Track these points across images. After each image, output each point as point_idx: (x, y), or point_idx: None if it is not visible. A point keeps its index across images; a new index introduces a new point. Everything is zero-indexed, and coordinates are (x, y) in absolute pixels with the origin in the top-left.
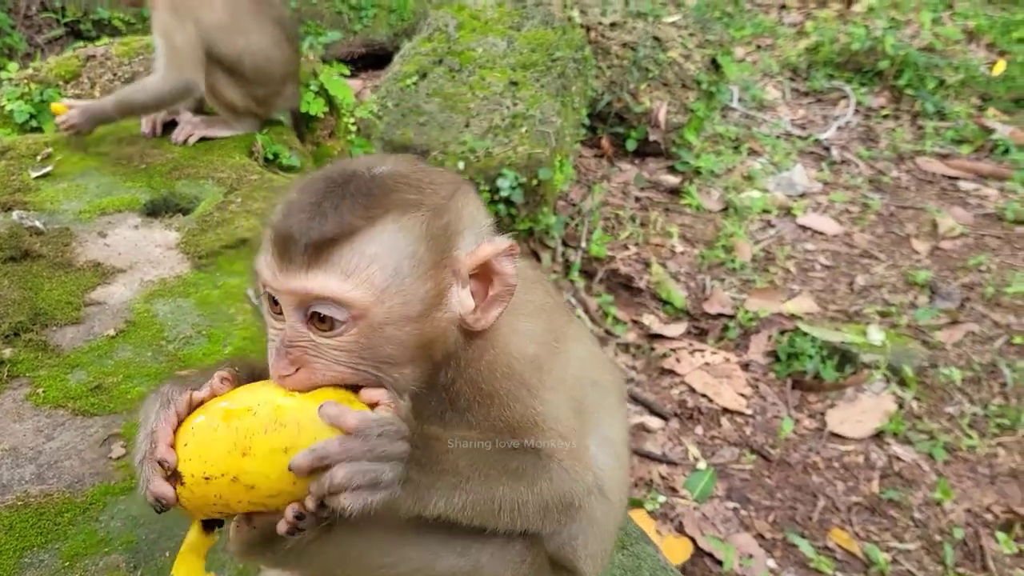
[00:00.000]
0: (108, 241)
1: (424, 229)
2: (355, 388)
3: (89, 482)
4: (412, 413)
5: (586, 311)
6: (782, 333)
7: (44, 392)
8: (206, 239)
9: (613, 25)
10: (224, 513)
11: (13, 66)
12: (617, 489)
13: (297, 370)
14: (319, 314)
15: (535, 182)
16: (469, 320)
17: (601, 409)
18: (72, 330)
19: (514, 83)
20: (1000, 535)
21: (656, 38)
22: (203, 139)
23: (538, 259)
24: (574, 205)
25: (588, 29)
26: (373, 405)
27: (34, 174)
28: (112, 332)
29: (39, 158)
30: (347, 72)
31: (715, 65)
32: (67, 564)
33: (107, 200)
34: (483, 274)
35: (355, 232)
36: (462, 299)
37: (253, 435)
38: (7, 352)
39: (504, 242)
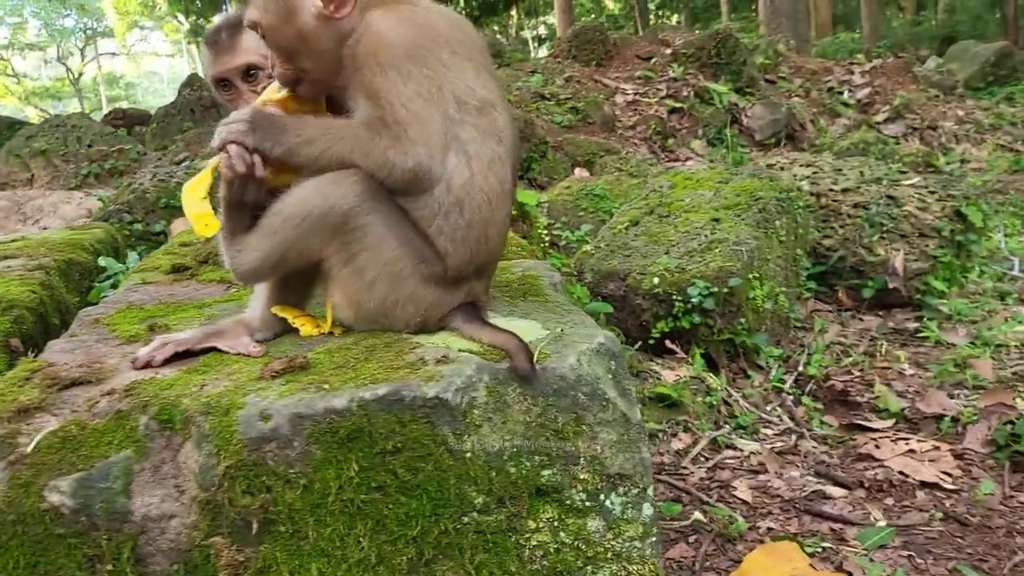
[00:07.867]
0: None
1: None
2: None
3: None
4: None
5: (790, 417)
6: (1005, 423)
7: None
8: None
9: (845, 190)
10: None
11: None
12: (474, 194)
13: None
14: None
15: (726, 291)
16: (327, 13)
17: (464, 125)
18: None
19: (715, 219)
20: None
21: (890, 196)
22: None
23: (746, 376)
24: (801, 344)
25: (818, 196)
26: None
27: None
28: None
29: None
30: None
31: (959, 215)
32: None
33: None
34: None
35: None
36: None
37: None
38: None
39: None
